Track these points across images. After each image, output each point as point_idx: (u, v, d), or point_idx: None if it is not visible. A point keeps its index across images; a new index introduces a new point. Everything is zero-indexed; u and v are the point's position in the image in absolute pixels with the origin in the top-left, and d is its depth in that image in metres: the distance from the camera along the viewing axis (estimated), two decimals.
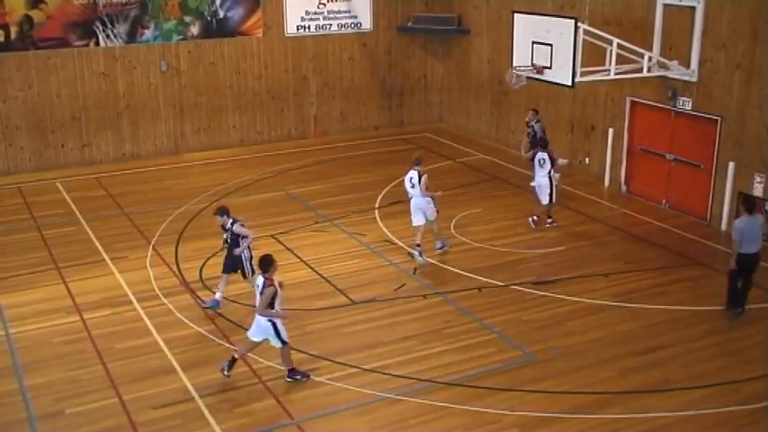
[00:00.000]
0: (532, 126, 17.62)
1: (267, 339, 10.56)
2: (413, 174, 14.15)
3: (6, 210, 17.34)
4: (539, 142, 16.46)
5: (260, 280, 10.47)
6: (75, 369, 11.01)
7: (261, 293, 10.39)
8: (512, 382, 10.57)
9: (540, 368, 10.94)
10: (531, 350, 11.36)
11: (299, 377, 10.61)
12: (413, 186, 14.16)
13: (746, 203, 12.29)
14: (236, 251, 12.44)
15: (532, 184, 15.94)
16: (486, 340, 11.69)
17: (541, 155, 15.64)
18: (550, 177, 15.57)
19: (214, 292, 12.78)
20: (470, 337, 11.77)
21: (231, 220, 12.51)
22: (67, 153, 20.07)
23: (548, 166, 15.52)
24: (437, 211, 14.51)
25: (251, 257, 12.50)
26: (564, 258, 14.48)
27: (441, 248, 14.65)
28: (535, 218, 15.81)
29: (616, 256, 14.61)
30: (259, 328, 10.50)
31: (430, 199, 14.28)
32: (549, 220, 15.88)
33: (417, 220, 14.33)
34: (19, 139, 19.55)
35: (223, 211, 12.57)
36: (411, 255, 14.46)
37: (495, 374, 10.76)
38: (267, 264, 10.40)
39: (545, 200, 15.65)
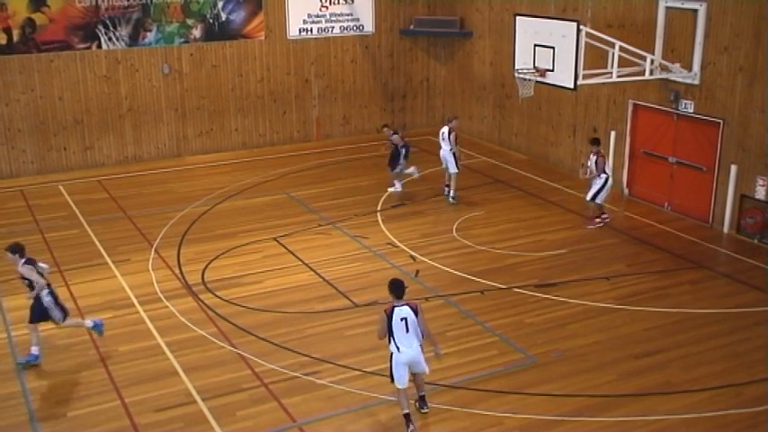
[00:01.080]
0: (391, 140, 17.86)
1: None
2: (444, 129, 17.33)
3: (9, 213, 17.36)
4: (396, 156, 17.54)
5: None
6: (78, 372, 11.02)
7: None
8: (514, 385, 10.57)
9: (541, 371, 10.94)
10: (533, 353, 11.37)
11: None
12: (443, 140, 17.28)
13: None
14: (28, 295, 11.02)
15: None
16: (488, 343, 11.69)
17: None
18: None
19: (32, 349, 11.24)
20: (472, 340, 11.78)
21: (23, 260, 11.05)
22: (70, 156, 20.10)
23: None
24: (458, 167, 17.39)
25: (55, 301, 11.18)
26: (566, 261, 14.49)
27: (453, 200, 17.42)
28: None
29: (618, 258, 14.61)
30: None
31: (454, 153, 17.26)
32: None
33: (451, 168, 17.42)
34: (21, 142, 19.59)
35: (15, 249, 11.07)
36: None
37: (497, 377, 10.77)
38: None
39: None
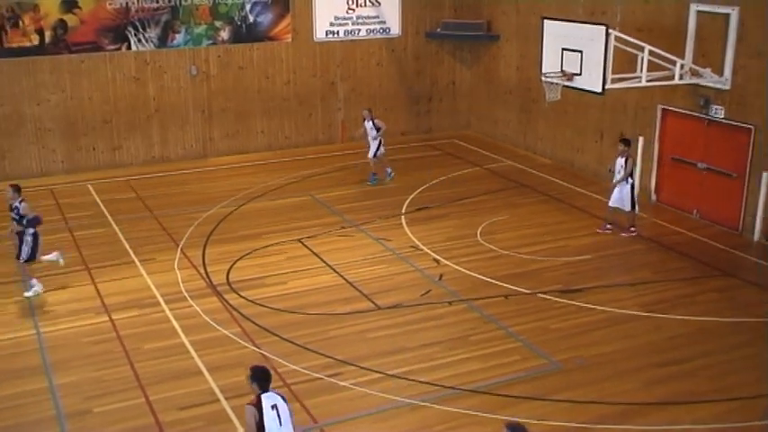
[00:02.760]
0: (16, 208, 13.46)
1: None
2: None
3: (39, 211, 17.38)
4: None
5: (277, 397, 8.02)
6: (104, 369, 11.12)
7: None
8: (536, 391, 10.51)
9: (565, 377, 10.88)
10: (557, 359, 11.30)
11: None
12: (371, 129, 18.80)
13: None
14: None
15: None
16: (511, 348, 11.64)
17: None
18: None
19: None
20: (495, 345, 11.73)
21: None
22: (98, 156, 20.30)
23: None
24: (377, 156, 18.94)
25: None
26: (591, 267, 14.39)
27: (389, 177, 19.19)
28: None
29: (644, 265, 14.49)
30: None
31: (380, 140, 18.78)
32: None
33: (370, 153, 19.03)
34: (51, 142, 19.81)
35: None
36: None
37: (520, 383, 10.71)
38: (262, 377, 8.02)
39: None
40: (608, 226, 15.92)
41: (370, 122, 18.85)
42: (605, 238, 15.64)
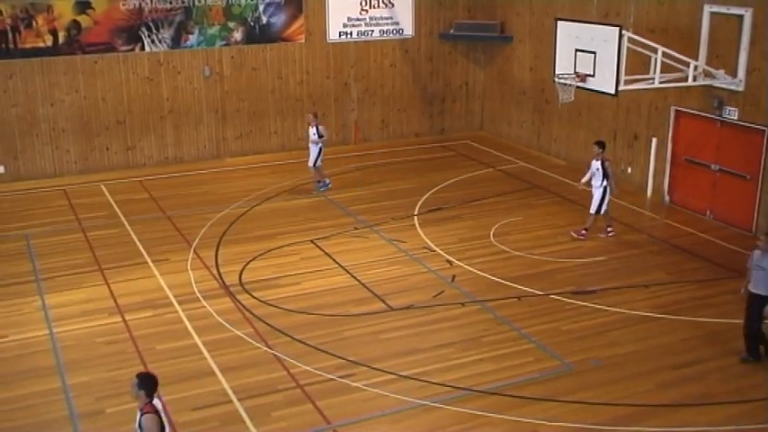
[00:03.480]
0: None
1: None
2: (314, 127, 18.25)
3: (52, 211, 17.66)
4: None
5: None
6: (117, 369, 11.17)
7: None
8: (549, 393, 10.49)
9: (577, 379, 10.85)
10: (570, 360, 11.27)
11: None
12: (314, 134, 18.20)
13: None
14: None
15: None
16: (524, 350, 11.62)
17: None
18: None
19: None
20: (508, 346, 11.71)
21: None
22: (112, 156, 20.39)
23: None
24: (317, 164, 18.34)
25: None
26: (604, 268, 14.35)
27: (323, 188, 18.43)
28: None
29: (658, 267, 14.44)
30: None
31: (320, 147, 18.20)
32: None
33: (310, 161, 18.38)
34: (65, 142, 19.91)
35: None
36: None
37: (533, 384, 10.70)
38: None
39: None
40: (609, 229, 15.75)
41: (315, 128, 18.20)
42: (618, 240, 15.59)
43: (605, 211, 15.51)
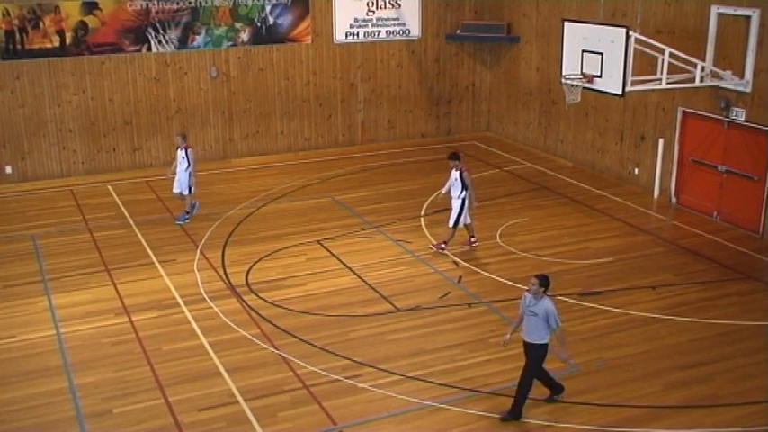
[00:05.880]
0: None
1: None
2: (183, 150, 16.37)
3: (59, 212, 17.70)
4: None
5: None
6: (123, 370, 11.19)
7: None
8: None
9: (584, 380, 10.83)
10: (576, 362, 11.24)
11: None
12: (183, 158, 16.33)
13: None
14: None
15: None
16: None
17: None
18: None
19: None
20: (515, 348, 11.59)
21: None
22: (119, 157, 20.43)
23: None
24: (192, 189, 16.53)
25: None
26: (611, 270, 14.32)
27: (183, 221, 16.56)
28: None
29: (664, 268, 14.41)
30: None
31: (190, 173, 16.37)
32: None
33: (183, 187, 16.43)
34: (72, 143, 19.96)
35: None
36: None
37: (539, 385, 10.65)
38: None
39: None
40: (472, 240, 15.19)
41: (183, 150, 16.38)
42: (626, 241, 15.56)
43: (467, 224, 14.99)
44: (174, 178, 16.67)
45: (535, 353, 9.85)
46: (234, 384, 10.77)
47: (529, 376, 9.86)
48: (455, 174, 14.81)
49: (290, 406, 10.29)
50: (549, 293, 9.88)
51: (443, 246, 15.01)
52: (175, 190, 16.70)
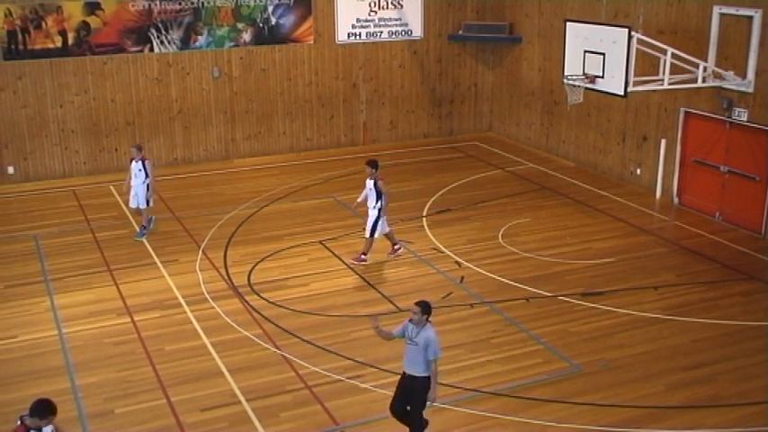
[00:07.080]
0: None
1: None
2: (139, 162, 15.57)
3: (61, 212, 17.72)
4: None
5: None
6: (126, 370, 11.19)
7: None
8: (558, 394, 10.47)
9: (586, 380, 10.83)
10: (578, 362, 11.25)
11: None
12: (139, 171, 15.56)
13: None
14: None
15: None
16: (533, 351, 11.60)
17: None
18: None
19: None
20: (517, 348, 11.70)
21: None
22: (121, 157, 20.43)
23: None
24: (150, 201, 15.87)
25: None
26: (613, 270, 14.32)
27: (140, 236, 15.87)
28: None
29: (667, 268, 14.40)
30: None
31: (148, 185, 15.64)
32: None
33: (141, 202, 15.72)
34: (74, 143, 19.97)
35: None
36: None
37: (542, 386, 10.68)
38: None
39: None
40: (396, 247, 14.82)
41: (140, 162, 15.61)
42: (628, 241, 15.55)
43: (387, 233, 14.59)
44: (129, 192, 15.85)
45: (421, 386, 9.04)
46: (236, 385, 10.78)
47: (419, 413, 9.21)
48: (369, 183, 14.28)
49: (293, 406, 10.29)
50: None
51: (363, 257, 14.52)
52: (132, 205, 15.88)
